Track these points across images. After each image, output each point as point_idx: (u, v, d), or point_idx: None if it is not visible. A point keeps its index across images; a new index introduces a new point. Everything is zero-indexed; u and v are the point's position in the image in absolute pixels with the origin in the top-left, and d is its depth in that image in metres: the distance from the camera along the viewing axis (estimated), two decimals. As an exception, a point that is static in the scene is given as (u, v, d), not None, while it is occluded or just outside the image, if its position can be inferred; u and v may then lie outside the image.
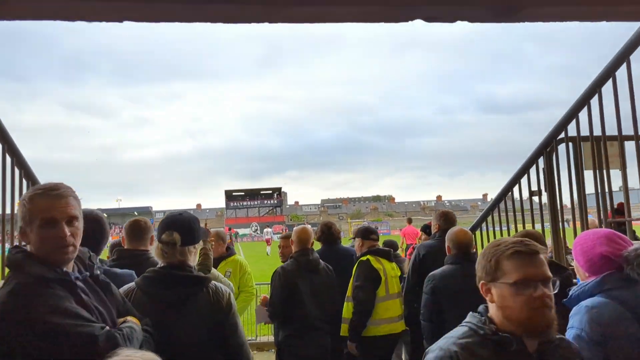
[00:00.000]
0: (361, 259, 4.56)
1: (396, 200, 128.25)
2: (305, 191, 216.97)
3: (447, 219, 4.63)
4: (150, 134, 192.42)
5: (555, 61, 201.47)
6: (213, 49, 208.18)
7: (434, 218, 4.79)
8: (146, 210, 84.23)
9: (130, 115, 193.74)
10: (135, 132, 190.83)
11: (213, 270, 4.30)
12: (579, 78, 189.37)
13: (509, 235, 4.81)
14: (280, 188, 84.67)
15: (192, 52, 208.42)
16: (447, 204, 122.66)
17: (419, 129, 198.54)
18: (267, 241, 40.35)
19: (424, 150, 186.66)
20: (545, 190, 4.08)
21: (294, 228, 4.77)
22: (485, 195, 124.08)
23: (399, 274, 4.72)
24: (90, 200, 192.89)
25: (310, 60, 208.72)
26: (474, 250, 4.00)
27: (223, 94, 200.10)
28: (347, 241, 6.25)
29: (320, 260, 4.47)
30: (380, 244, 4.91)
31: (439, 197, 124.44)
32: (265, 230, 44.86)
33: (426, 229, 5.70)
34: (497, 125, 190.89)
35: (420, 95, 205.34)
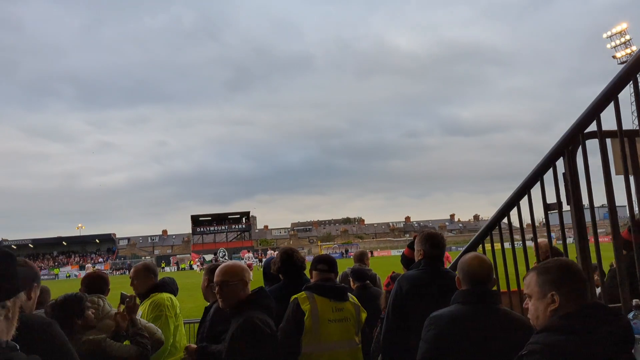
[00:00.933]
0: (294, 296, 3.61)
1: (366, 222, 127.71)
2: (275, 215, 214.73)
3: (433, 243, 3.63)
4: (115, 159, 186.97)
5: (515, 84, 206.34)
6: (180, 72, 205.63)
7: (417, 242, 3.73)
8: (108, 238, 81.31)
9: (94, 140, 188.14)
10: (100, 157, 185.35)
11: (143, 322, 3.48)
12: (538, 100, 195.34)
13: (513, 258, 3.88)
14: (248, 212, 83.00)
15: (159, 75, 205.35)
16: (416, 224, 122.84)
17: (387, 152, 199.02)
18: (249, 266, 38.81)
19: (392, 172, 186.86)
20: (569, 202, 3.13)
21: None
22: (452, 216, 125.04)
23: (351, 316, 3.63)
24: (50, 227, 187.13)
25: (279, 84, 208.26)
26: (494, 285, 3.01)
27: (191, 117, 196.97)
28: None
29: None
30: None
31: (407, 218, 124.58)
32: (246, 255, 43.29)
33: (406, 259, 4.46)
34: (462, 147, 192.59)
35: (387, 119, 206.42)
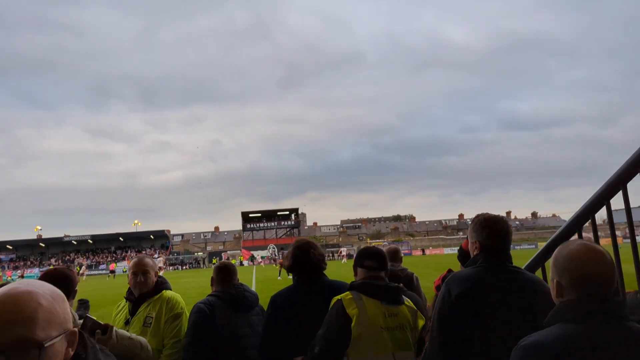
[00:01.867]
0: (336, 297, 2.86)
1: (417, 220, 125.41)
2: (324, 212, 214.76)
3: (493, 231, 2.62)
4: (172, 158, 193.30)
5: (577, 76, 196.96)
6: (233, 72, 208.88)
7: (471, 230, 2.74)
8: (162, 234, 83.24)
9: (153, 139, 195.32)
10: (157, 156, 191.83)
11: (118, 331, 2.74)
12: (601, 92, 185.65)
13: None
14: (297, 209, 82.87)
15: (213, 75, 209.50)
16: (470, 222, 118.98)
17: (441, 148, 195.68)
18: (282, 264, 38.42)
19: (446, 169, 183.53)
20: None
21: None
22: (508, 213, 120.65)
23: (407, 323, 2.85)
24: (109, 224, 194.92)
25: (331, 81, 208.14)
26: (615, 292, 1.84)
27: (244, 116, 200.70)
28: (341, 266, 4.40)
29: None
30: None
31: (461, 216, 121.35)
32: (281, 252, 42.81)
33: (463, 253, 3.34)
34: (520, 142, 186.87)
35: (441, 114, 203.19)
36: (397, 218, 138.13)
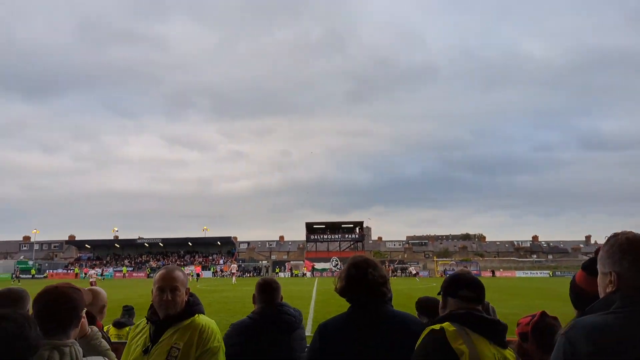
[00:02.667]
0: (431, 327, 2.20)
1: (487, 240, 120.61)
2: (389, 227, 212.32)
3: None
4: (243, 167, 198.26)
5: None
6: (304, 84, 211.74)
7: (605, 256, 1.79)
8: (229, 240, 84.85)
9: (226, 149, 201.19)
10: (229, 165, 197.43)
11: None
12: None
13: None
14: (362, 222, 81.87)
15: (284, 87, 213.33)
16: (545, 245, 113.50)
17: (514, 166, 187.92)
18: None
19: (519, 188, 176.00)
20: None
21: None
22: (588, 237, 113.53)
23: None
24: (180, 229, 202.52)
25: (401, 95, 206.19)
26: None
27: (312, 128, 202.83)
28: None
29: None
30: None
31: (535, 237, 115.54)
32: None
33: (579, 291, 2.20)
34: (601, 163, 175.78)
35: (516, 131, 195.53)
36: (466, 237, 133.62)
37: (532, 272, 74.94)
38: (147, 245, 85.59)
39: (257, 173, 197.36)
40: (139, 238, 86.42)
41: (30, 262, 77.61)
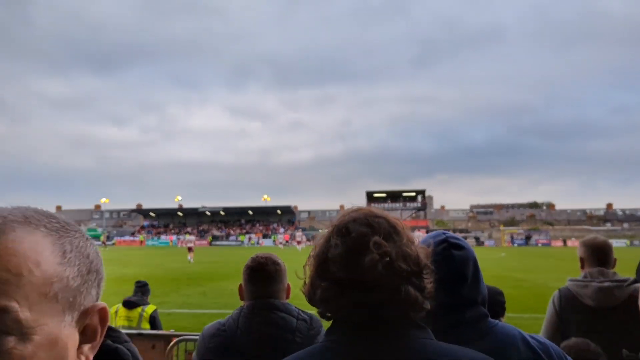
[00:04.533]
0: None
1: (557, 208, 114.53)
2: (452, 196, 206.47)
3: None
4: (304, 137, 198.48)
5: None
6: (367, 51, 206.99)
7: None
8: (289, 209, 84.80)
9: (287, 118, 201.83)
10: (290, 135, 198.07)
11: None
12: None
13: None
14: (424, 190, 79.38)
15: (346, 55, 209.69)
16: (620, 213, 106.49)
17: (588, 131, 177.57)
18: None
19: (591, 153, 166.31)
20: None
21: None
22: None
23: None
24: (241, 198, 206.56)
25: (466, 58, 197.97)
26: None
27: (374, 96, 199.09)
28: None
29: None
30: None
31: (609, 205, 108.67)
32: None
33: None
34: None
35: (590, 93, 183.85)
36: (534, 205, 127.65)
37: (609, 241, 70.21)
38: (208, 214, 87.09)
39: (317, 142, 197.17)
40: (202, 207, 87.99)
41: (100, 230, 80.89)
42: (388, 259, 1.01)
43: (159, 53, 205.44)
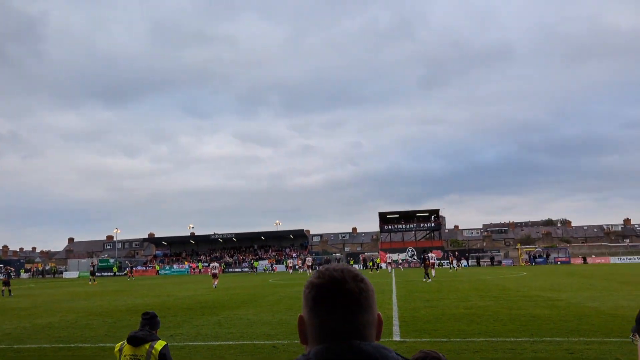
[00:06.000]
0: None
1: (573, 225, 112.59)
2: (465, 217, 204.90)
3: None
4: (315, 161, 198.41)
5: None
6: (375, 73, 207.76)
7: None
8: (301, 234, 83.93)
9: (297, 144, 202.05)
10: (301, 159, 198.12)
11: None
12: None
13: None
14: (438, 210, 78.16)
15: (355, 78, 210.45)
16: (638, 228, 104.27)
17: (599, 146, 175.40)
18: (426, 265, 34.99)
19: (605, 169, 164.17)
20: None
21: None
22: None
23: None
24: (254, 224, 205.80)
25: (476, 78, 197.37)
26: None
27: (384, 118, 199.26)
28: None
29: None
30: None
31: (627, 221, 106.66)
32: (423, 254, 39.18)
33: None
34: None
35: (600, 109, 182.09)
36: (549, 222, 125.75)
37: (629, 257, 68.37)
38: (221, 240, 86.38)
39: (328, 166, 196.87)
40: (214, 234, 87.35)
41: (112, 260, 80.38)
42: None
43: (170, 83, 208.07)
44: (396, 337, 10.67)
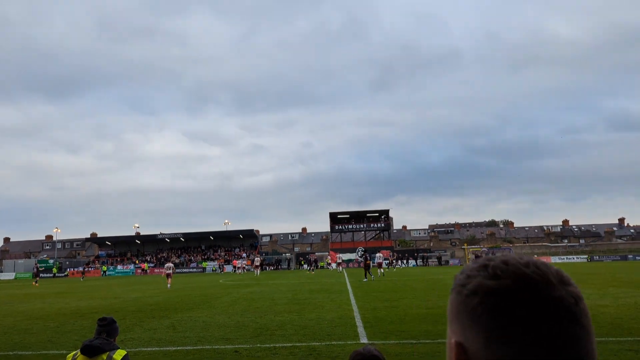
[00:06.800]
0: None
1: (515, 225, 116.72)
2: (412, 217, 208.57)
3: None
4: (264, 161, 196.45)
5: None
6: (326, 75, 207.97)
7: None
8: (251, 233, 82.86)
9: (247, 143, 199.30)
10: (251, 159, 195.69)
11: None
12: None
13: None
14: (387, 210, 79.05)
15: (306, 78, 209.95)
16: (576, 229, 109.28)
17: (539, 150, 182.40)
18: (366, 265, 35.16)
19: (544, 172, 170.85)
20: None
21: None
22: (622, 220, 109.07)
23: None
24: (202, 224, 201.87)
25: (423, 81, 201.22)
26: None
27: (334, 119, 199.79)
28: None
29: None
30: None
31: (565, 222, 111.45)
32: (371, 255, 39.39)
33: None
34: (630, 145, 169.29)
35: (540, 114, 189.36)
36: (492, 223, 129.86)
37: (568, 257, 71.68)
38: (168, 240, 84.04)
39: (278, 166, 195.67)
40: (160, 233, 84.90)
41: (51, 261, 76.59)
42: None
43: (115, 78, 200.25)
44: (363, 339, 10.35)
